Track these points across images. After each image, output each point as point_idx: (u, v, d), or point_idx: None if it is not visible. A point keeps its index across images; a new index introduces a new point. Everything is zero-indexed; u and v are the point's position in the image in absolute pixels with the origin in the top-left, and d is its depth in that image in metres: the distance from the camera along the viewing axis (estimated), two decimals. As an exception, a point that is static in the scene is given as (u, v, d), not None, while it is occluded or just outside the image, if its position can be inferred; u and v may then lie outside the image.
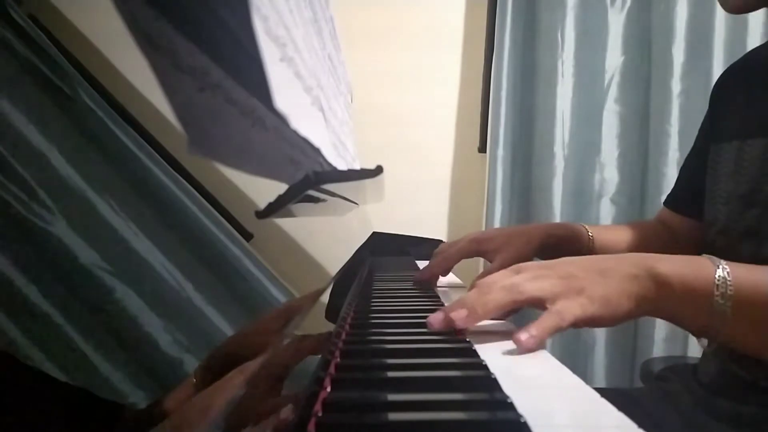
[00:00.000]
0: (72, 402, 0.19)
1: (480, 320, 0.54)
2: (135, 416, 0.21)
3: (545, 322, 0.51)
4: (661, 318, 0.56)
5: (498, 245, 0.82)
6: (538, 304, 0.53)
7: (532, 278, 0.54)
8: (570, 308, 0.51)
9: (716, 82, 0.91)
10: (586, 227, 0.90)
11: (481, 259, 1.44)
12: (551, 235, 0.86)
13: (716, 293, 0.52)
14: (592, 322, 0.52)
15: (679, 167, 1.00)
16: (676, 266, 0.53)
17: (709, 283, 0.52)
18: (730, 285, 0.52)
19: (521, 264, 0.58)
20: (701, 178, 0.86)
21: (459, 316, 0.53)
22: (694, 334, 0.56)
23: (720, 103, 0.88)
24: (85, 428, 0.19)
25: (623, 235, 0.93)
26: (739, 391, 0.72)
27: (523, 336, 0.50)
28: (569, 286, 0.53)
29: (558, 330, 0.51)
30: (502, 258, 0.80)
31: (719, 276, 0.52)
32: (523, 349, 0.49)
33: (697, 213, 0.88)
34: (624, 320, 0.54)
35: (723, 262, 0.54)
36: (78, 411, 0.20)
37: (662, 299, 0.53)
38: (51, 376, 0.19)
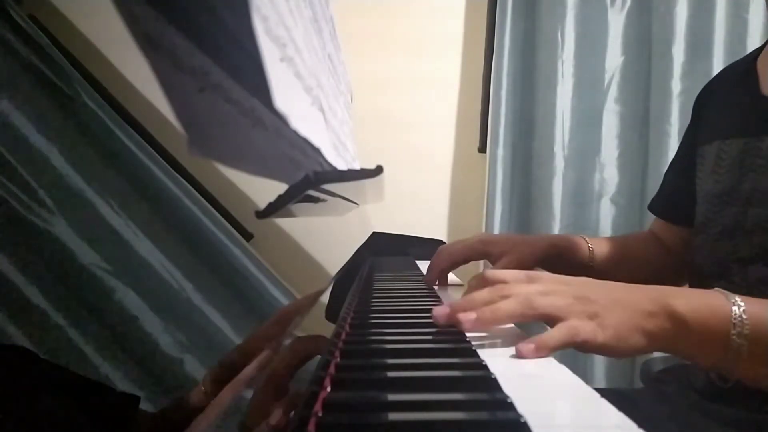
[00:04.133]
0: (88, 394, 0.19)
1: (487, 327, 0.53)
2: (146, 420, 0.21)
3: (555, 334, 0.49)
4: (673, 354, 0.55)
5: (503, 249, 0.83)
6: (549, 321, 0.52)
7: (546, 292, 0.53)
8: (582, 328, 0.50)
9: (699, 93, 0.93)
10: (587, 239, 0.92)
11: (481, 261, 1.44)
12: (554, 245, 0.88)
13: (733, 332, 0.52)
14: (600, 349, 0.51)
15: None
16: (692, 304, 0.53)
17: (725, 321, 0.52)
18: (747, 323, 0.52)
19: (537, 273, 0.57)
20: (684, 183, 0.88)
21: (467, 318, 0.52)
22: (707, 370, 0.56)
23: (702, 109, 0.91)
24: (101, 419, 0.19)
25: (621, 248, 0.94)
26: (731, 396, 0.72)
27: (525, 347, 0.48)
28: (583, 308, 0.51)
29: (566, 346, 0.49)
30: (504, 263, 0.81)
31: (735, 314, 0.52)
32: (523, 357, 0.48)
33: (684, 220, 0.89)
34: (633, 355, 0.53)
35: (737, 297, 0.53)
36: (95, 403, 0.20)
37: (678, 338, 0.52)
38: (69, 370, 0.19)
